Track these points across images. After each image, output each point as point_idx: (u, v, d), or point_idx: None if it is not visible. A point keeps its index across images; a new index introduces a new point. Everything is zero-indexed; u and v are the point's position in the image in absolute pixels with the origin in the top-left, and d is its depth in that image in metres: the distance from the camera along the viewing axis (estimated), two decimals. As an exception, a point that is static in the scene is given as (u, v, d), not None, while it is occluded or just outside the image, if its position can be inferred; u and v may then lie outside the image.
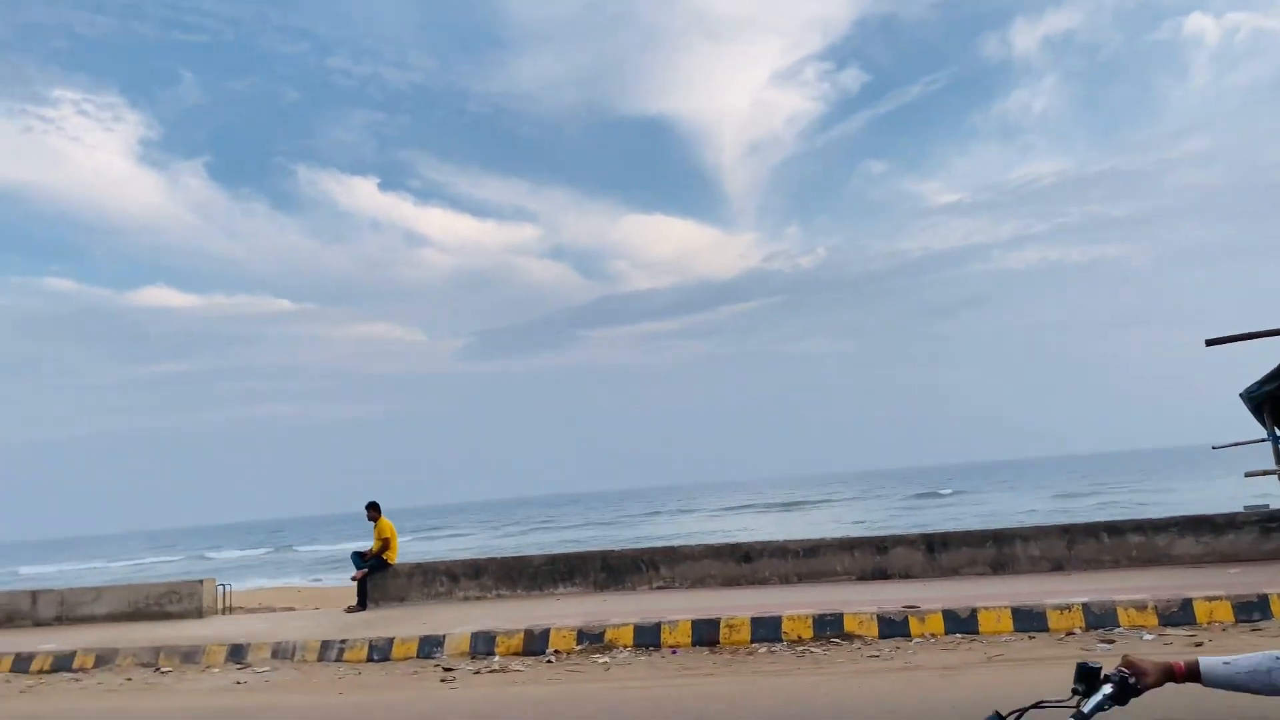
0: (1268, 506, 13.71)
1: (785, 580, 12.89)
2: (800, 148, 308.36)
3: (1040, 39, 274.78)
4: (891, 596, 10.53)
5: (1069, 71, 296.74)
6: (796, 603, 10.54)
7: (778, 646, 9.31)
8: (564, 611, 11.40)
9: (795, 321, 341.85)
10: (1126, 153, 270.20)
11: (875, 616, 9.48)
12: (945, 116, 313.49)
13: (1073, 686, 2.08)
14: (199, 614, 14.41)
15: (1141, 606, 9.00)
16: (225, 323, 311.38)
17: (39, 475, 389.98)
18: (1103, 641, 8.37)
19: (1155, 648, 7.94)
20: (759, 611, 10.04)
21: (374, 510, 14.53)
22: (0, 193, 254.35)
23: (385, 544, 14.20)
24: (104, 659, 11.32)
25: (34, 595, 15.38)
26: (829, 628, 9.46)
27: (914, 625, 9.31)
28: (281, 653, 10.94)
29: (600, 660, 9.42)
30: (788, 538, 14.23)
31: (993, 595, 10.01)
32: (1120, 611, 8.99)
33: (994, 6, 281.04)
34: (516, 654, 10.02)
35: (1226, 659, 2.09)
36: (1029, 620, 9.11)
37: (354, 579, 14.16)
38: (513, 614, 11.56)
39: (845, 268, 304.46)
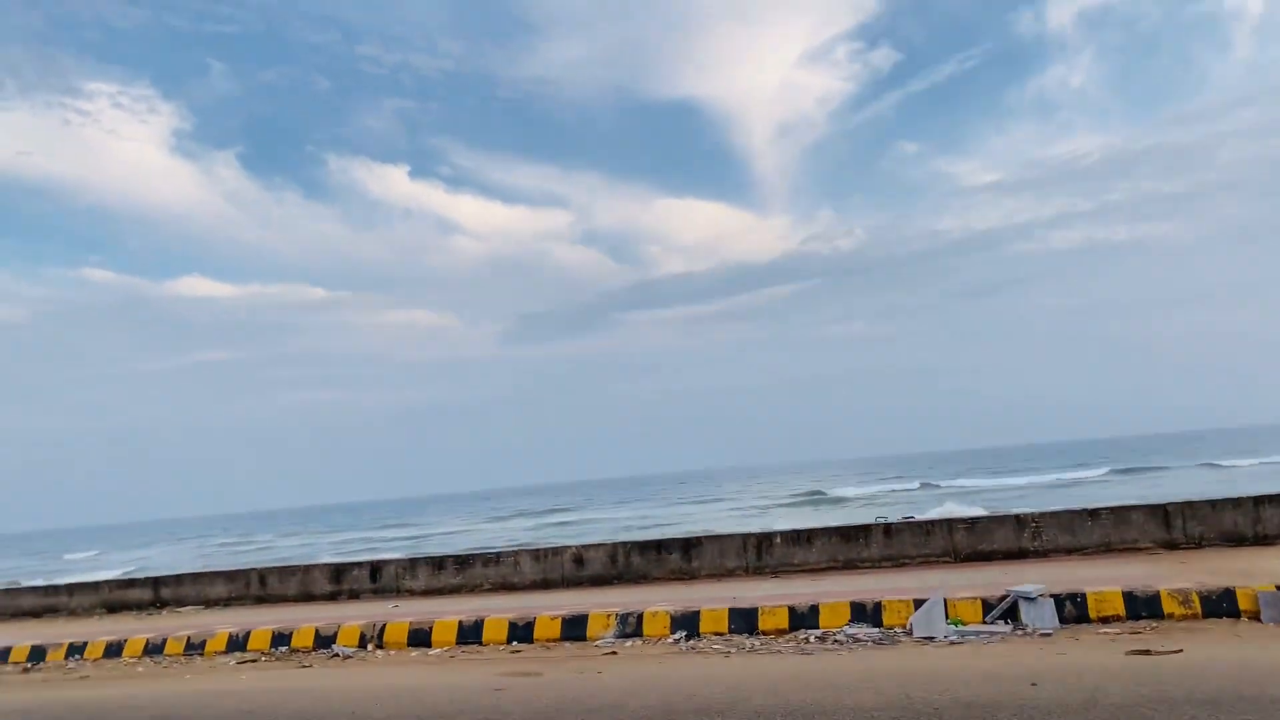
0: None
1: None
2: (832, 129, 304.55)
3: (1075, 13, 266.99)
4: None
5: (1106, 46, 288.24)
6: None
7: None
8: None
9: (835, 303, 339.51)
10: (1171, 128, 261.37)
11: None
12: (980, 95, 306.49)
13: None
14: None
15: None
16: (263, 311, 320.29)
17: (86, 464, 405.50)
18: None
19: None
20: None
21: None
22: (42, 187, 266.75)
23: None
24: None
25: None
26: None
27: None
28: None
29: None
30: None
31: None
32: None
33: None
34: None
35: None
36: None
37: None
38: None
39: (885, 249, 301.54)
